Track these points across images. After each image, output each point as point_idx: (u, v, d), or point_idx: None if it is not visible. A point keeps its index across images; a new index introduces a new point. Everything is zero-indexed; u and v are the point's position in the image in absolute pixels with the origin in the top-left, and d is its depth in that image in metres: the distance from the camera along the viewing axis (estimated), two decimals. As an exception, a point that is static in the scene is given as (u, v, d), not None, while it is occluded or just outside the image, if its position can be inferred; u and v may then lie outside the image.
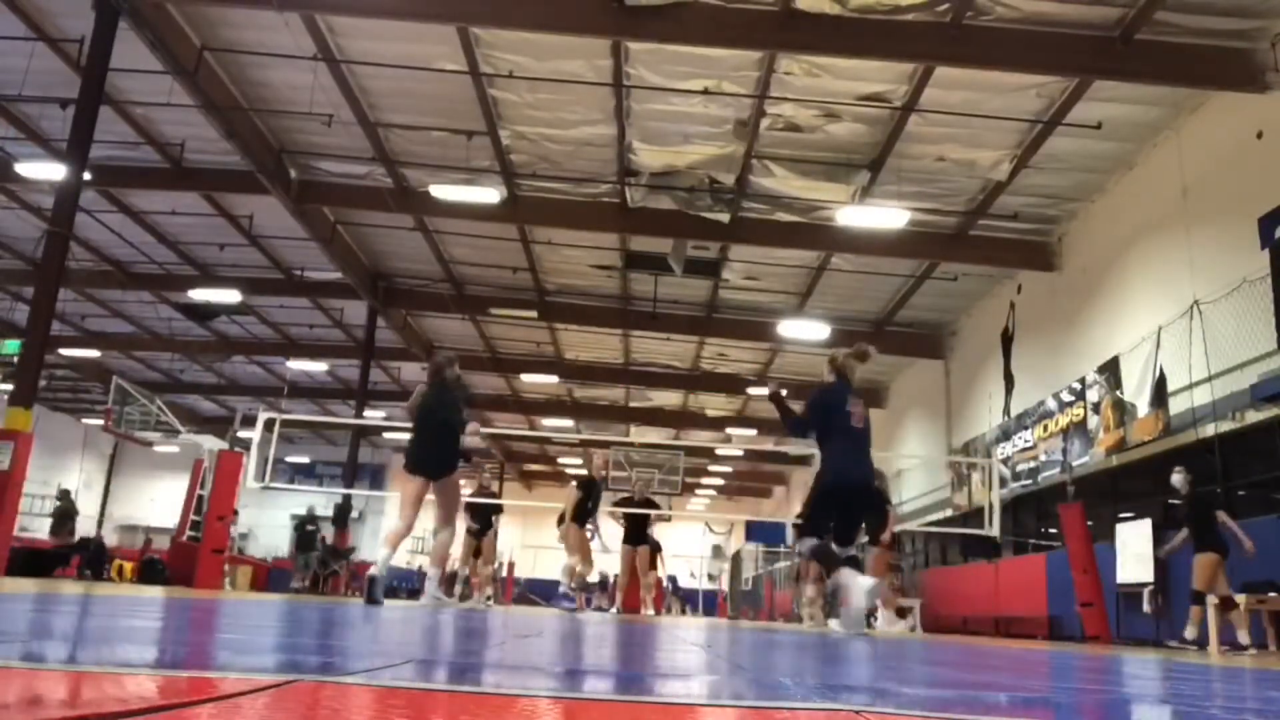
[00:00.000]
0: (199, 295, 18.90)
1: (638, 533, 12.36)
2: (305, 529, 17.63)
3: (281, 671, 1.36)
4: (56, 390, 27.13)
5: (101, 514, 31.16)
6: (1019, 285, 15.63)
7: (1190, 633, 8.39)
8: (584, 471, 12.66)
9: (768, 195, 13.77)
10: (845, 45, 10.01)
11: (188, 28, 10.97)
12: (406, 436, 7.45)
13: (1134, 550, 10.64)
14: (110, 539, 24.17)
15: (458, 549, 12.97)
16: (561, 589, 10.91)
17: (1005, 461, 15.27)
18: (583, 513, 10.87)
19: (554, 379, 24.23)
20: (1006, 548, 14.96)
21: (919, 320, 18.56)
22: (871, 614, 10.01)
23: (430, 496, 7.12)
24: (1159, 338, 11.11)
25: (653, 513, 12.71)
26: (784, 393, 5.83)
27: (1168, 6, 9.22)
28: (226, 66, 11.82)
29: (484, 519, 12.58)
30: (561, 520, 10.93)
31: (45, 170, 12.34)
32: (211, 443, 17.37)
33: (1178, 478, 8.88)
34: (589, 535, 10.95)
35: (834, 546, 5.33)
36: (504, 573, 29.15)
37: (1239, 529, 8.25)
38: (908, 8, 9.57)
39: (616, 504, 12.58)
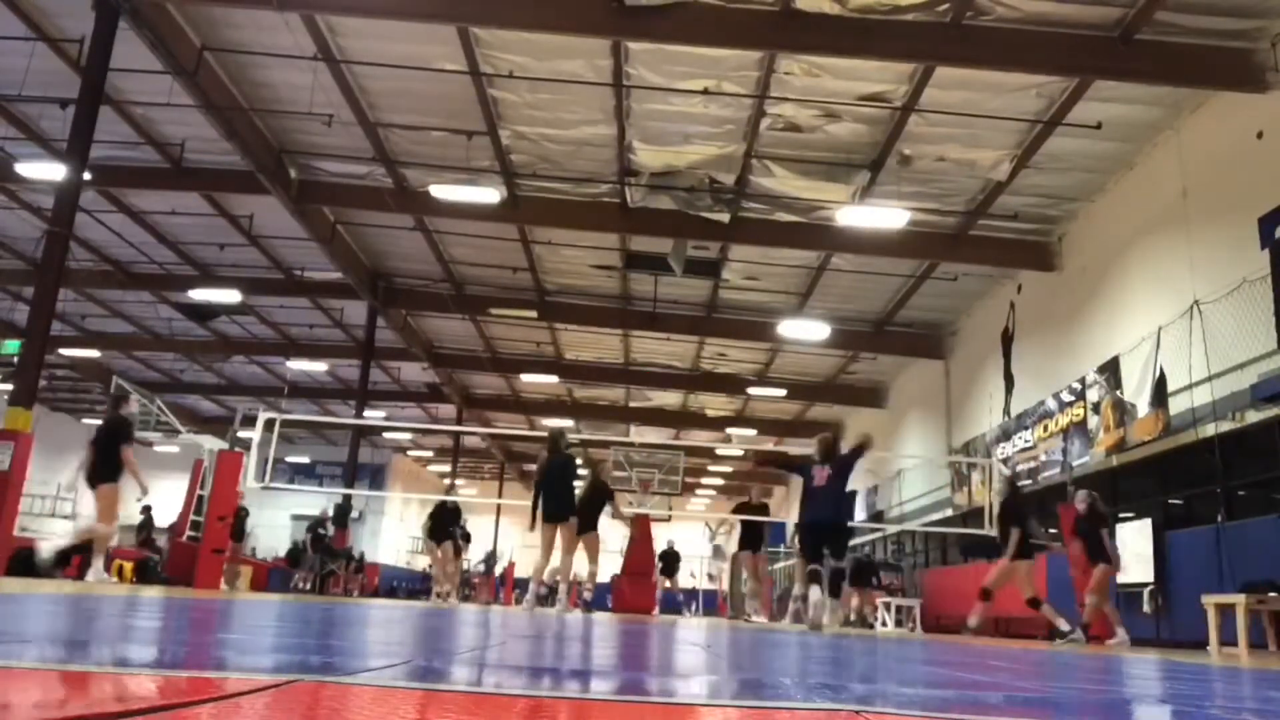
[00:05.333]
0: (199, 295, 18.89)
1: (756, 537, 12.25)
2: (318, 531, 17.77)
3: (282, 671, 1.36)
4: (56, 390, 27.12)
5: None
6: (1019, 285, 15.62)
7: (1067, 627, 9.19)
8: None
9: (768, 195, 13.76)
10: (845, 45, 10.01)
11: (188, 28, 10.97)
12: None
13: (1134, 550, 10.63)
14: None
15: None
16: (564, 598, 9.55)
17: (1005, 461, 15.26)
18: (595, 508, 10.08)
19: (554, 379, 24.22)
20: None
21: (919, 320, 18.56)
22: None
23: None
24: (1159, 338, 11.11)
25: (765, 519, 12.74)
26: None
27: (1168, 6, 9.21)
28: (226, 66, 11.81)
29: (440, 527, 13.11)
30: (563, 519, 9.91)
31: (45, 170, 12.32)
32: (211, 443, 17.37)
33: (1080, 494, 9.70)
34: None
35: None
36: (499, 570, 29.19)
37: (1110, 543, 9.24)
38: (908, 8, 9.57)
39: (735, 509, 12.66)
